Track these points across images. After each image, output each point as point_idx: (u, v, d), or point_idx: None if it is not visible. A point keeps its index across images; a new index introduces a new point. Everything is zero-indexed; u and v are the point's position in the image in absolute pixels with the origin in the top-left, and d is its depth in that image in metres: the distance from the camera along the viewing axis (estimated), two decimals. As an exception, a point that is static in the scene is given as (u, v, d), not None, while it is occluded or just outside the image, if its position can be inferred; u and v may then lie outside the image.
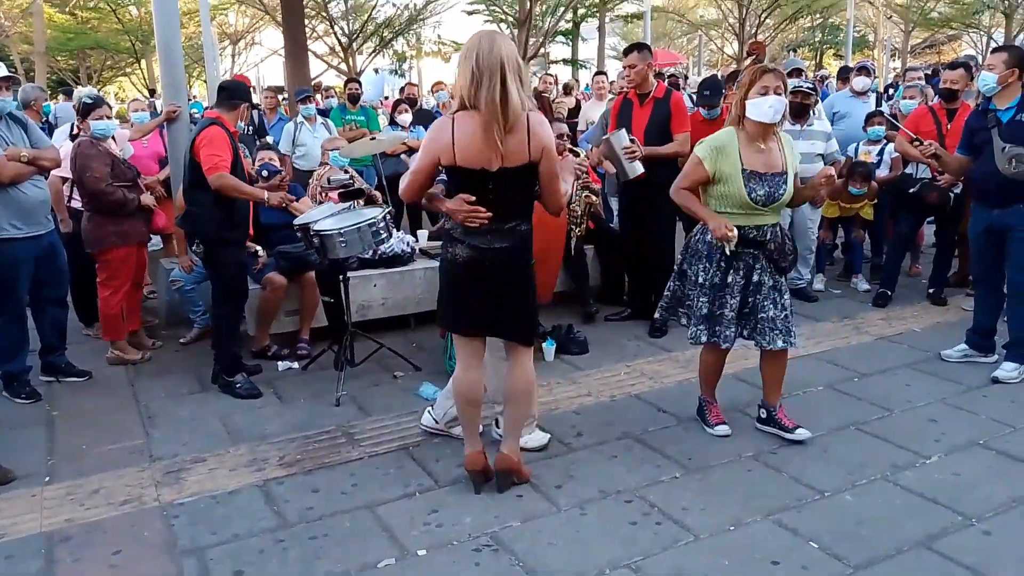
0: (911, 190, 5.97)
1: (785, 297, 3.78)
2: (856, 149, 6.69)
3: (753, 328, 3.79)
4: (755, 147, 3.63)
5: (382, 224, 4.50)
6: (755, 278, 3.73)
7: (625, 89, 5.72)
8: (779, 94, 3.55)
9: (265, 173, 5.35)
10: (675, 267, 3.98)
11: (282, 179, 5.23)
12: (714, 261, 3.72)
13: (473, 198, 3.14)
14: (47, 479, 3.69)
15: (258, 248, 5.26)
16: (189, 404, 4.56)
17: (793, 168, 3.70)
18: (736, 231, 3.56)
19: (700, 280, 3.77)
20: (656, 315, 4.11)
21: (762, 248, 3.69)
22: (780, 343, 3.74)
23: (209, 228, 4.55)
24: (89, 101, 5.22)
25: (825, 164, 5.98)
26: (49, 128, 9.41)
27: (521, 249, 3.26)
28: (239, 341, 4.88)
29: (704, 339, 3.80)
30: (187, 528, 3.25)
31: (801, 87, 5.99)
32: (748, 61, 6.00)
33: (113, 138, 5.60)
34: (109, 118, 5.25)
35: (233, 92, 4.73)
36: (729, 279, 3.72)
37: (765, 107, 3.54)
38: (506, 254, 3.21)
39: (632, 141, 5.22)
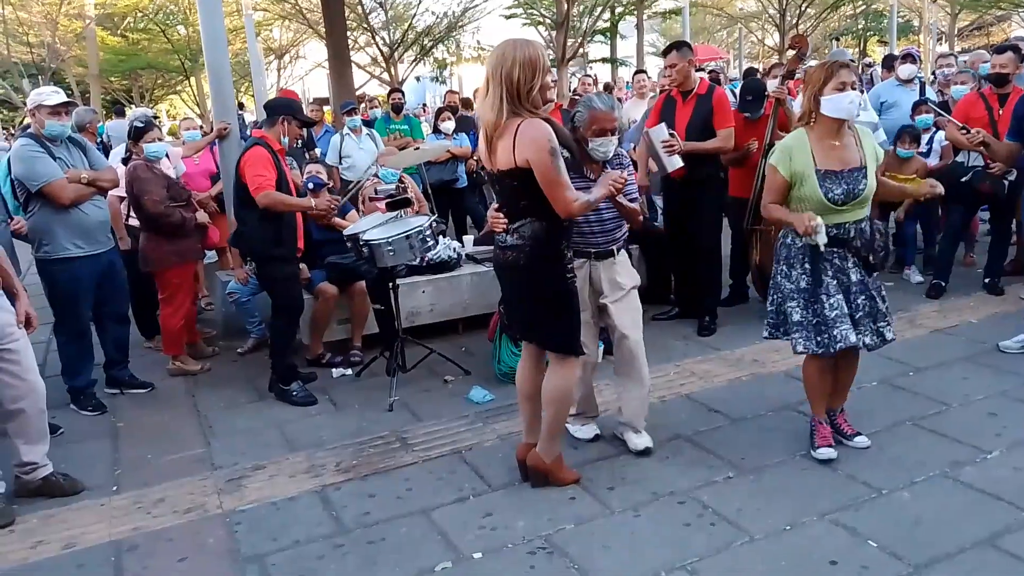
0: (963, 179, 5.84)
1: (883, 291, 3.65)
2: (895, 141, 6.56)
3: (874, 331, 3.59)
4: (828, 144, 3.50)
5: (428, 232, 4.58)
6: (854, 277, 3.55)
7: (667, 88, 5.70)
8: (855, 89, 3.45)
9: (311, 186, 5.46)
10: (771, 282, 3.78)
11: (329, 191, 5.33)
12: (798, 264, 3.58)
13: (495, 205, 3.40)
14: (115, 489, 3.83)
15: (302, 265, 5.32)
16: (247, 413, 4.68)
17: (874, 161, 3.56)
18: (821, 220, 3.39)
19: (787, 285, 3.62)
20: (764, 334, 3.82)
21: (846, 246, 3.53)
22: (890, 335, 3.62)
23: (257, 246, 4.72)
24: (140, 125, 5.36)
25: None
26: (104, 148, 9.72)
27: (533, 247, 3.22)
28: (293, 351, 4.98)
29: (800, 348, 3.58)
30: (249, 535, 3.34)
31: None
32: (791, 55, 5.91)
33: (167, 156, 5.77)
34: (160, 139, 5.43)
35: (272, 108, 4.85)
36: (821, 279, 3.54)
37: (845, 103, 3.41)
38: (517, 251, 3.26)
39: (671, 135, 5.21)
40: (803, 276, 3.57)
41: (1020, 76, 6.12)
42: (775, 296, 3.70)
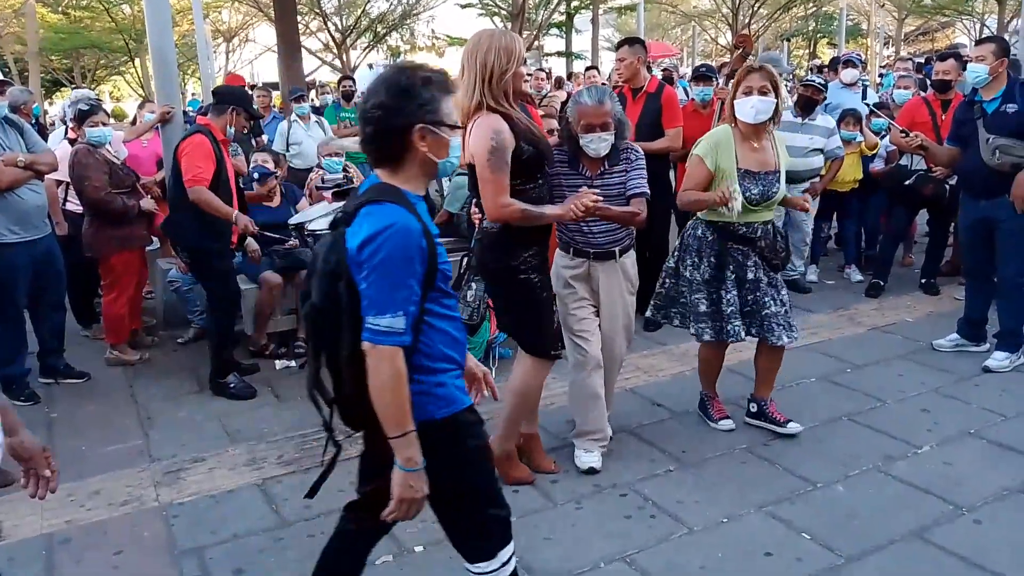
0: (907, 182, 6.00)
1: (783, 293, 3.80)
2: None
3: (760, 325, 3.76)
4: (749, 146, 3.66)
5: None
6: (750, 275, 3.72)
7: (618, 84, 5.73)
8: (765, 94, 3.54)
9: (256, 175, 5.38)
10: (667, 265, 3.96)
11: (275, 182, 5.25)
12: (705, 256, 3.74)
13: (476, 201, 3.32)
14: (47, 481, 3.72)
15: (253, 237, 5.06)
16: (187, 404, 4.59)
17: (786, 167, 3.73)
18: (738, 188, 3.51)
19: (694, 276, 3.77)
20: (647, 314, 4.10)
21: (752, 245, 3.71)
22: (784, 338, 3.74)
23: (192, 237, 4.57)
24: (85, 108, 5.18)
25: (826, 159, 6.02)
26: (40, 129, 9.41)
27: (494, 247, 3.20)
28: (235, 342, 4.89)
29: (707, 337, 3.76)
30: (187, 528, 3.29)
31: (813, 82, 6.05)
32: (736, 54, 5.99)
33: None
34: (105, 124, 5.26)
35: (222, 97, 4.72)
36: (723, 274, 3.73)
37: (747, 108, 3.57)
38: (483, 250, 3.25)
39: None
40: (708, 269, 3.74)
41: (962, 83, 6.31)
42: (670, 281, 3.89)
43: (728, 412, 4.05)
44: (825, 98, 6.25)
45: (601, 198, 3.14)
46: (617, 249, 3.58)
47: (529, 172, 3.14)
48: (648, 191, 3.49)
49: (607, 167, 3.48)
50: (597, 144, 3.38)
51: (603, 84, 5.86)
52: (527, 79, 3.19)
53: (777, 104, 3.60)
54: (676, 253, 3.90)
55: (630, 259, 3.68)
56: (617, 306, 3.63)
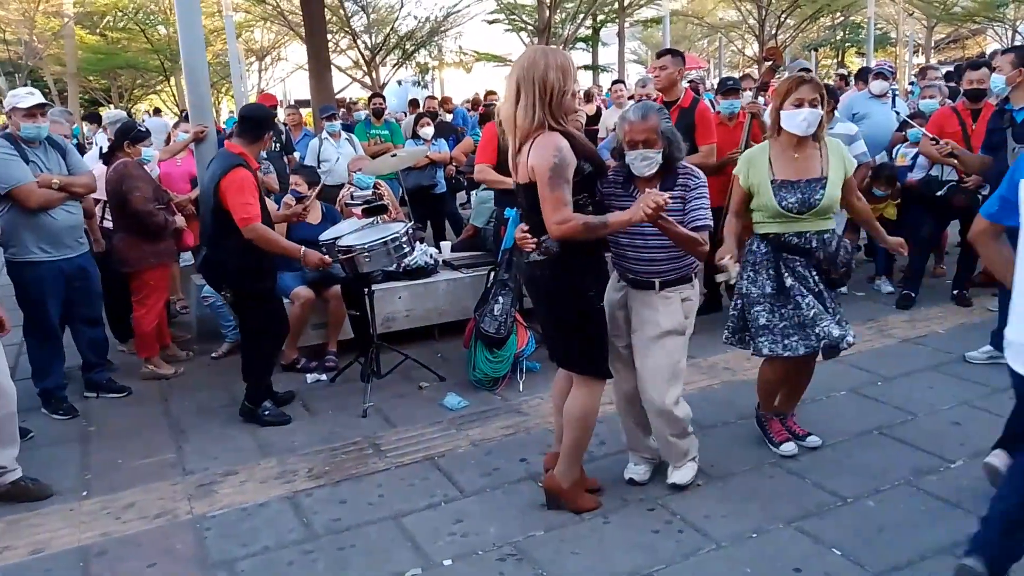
0: (938, 193, 5.93)
1: (835, 304, 3.67)
2: (895, 152, 6.70)
3: (817, 334, 3.54)
4: (789, 156, 3.61)
5: (405, 239, 4.59)
6: (811, 286, 3.60)
7: (652, 95, 5.74)
8: (815, 106, 3.49)
9: (290, 199, 5.49)
10: (735, 289, 3.79)
11: (301, 207, 5.33)
12: (762, 269, 3.66)
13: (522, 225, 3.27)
14: (84, 494, 3.81)
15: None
16: (220, 418, 4.66)
17: (840, 173, 3.59)
18: (733, 265, 3.37)
19: (750, 291, 3.68)
20: (724, 340, 3.89)
21: (808, 256, 3.61)
22: (851, 335, 3.58)
23: (234, 280, 4.37)
24: (143, 130, 5.44)
25: None
26: (79, 148, 9.63)
27: (551, 265, 3.14)
28: (270, 374, 4.71)
29: (766, 351, 3.63)
30: (218, 541, 3.34)
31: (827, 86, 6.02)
32: (766, 66, 5.99)
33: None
34: (151, 147, 5.46)
35: (259, 123, 4.43)
36: (786, 284, 3.60)
37: (799, 120, 3.51)
38: (536, 268, 3.20)
39: None
40: (768, 282, 3.65)
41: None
42: (738, 301, 3.77)
43: (788, 436, 3.90)
44: (836, 106, 6.22)
45: (668, 198, 2.99)
46: (657, 281, 3.33)
47: (590, 188, 3.17)
48: (711, 223, 3.28)
49: (658, 190, 3.19)
50: (640, 162, 3.23)
51: (643, 98, 5.82)
52: (579, 94, 3.15)
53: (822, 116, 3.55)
54: (742, 272, 3.71)
55: (677, 294, 3.36)
56: (651, 347, 3.34)
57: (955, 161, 5.30)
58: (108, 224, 5.63)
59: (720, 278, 3.45)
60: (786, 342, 3.60)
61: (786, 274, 3.62)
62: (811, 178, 3.58)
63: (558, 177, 2.96)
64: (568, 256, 3.13)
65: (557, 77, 2.97)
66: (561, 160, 2.96)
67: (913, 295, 6.13)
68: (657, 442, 3.58)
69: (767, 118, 5.60)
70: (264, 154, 4.64)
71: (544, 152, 2.97)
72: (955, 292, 6.18)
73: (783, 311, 3.62)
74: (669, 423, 3.42)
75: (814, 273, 3.62)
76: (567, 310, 3.22)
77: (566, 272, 3.15)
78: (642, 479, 3.62)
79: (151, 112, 24.28)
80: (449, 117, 12.05)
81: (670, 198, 3.04)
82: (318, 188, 5.68)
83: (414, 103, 12.14)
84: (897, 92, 8.60)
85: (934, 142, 5.06)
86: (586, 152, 3.10)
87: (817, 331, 3.52)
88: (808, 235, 3.60)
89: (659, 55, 5.80)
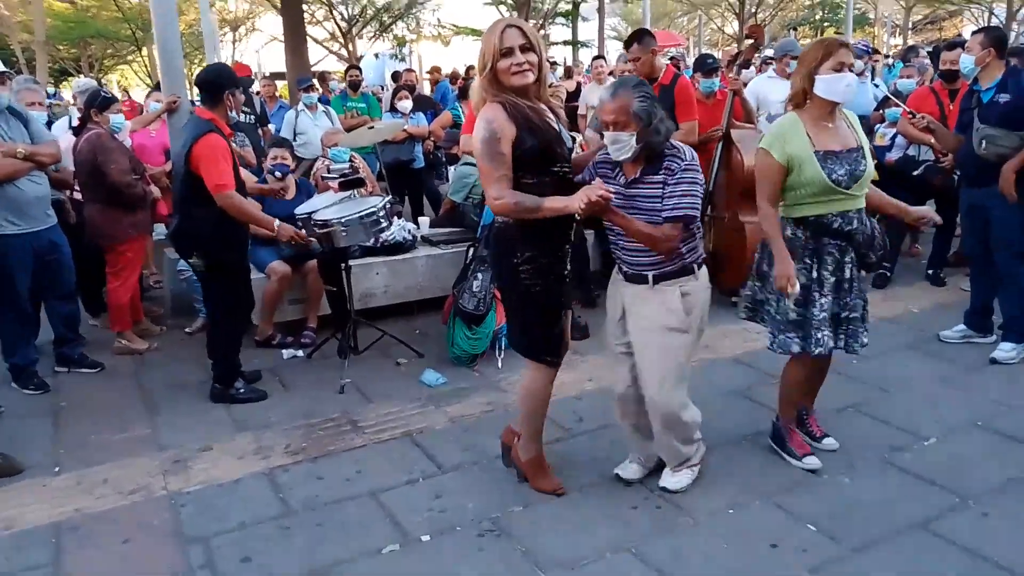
0: (915, 172, 5.97)
1: (865, 293, 3.45)
2: (875, 131, 6.70)
3: (846, 331, 3.37)
4: (823, 126, 3.26)
5: (382, 213, 4.54)
6: (847, 274, 3.31)
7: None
8: (853, 71, 3.26)
9: (279, 174, 5.39)
10: (753, 268, 3.53)
11: (291, 180, 5.26)
12: (798, 260, 3.28)
13: None
14: (56, 469, 3.75)
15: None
16: (194, 393, 4.60)
17: (867, 143, 3.35)
18: (799, 288, 3.19)
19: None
20: (741, 315, 3.67)
21: (849, 239, 3.29)
22: (865, 339, 3.43)
23: (203, 248, 4.22)
24: (108, 95, 5.29)
25: None
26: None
27: (497, 241, 3.11)
28: (238, 351, 4.60)
29: (795, 348, 3.34)
30: (194, 517, 3.30)
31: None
32: (747, 44, 5.97)
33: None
34: (120, 112, 5.31)
35: (215, 84, 4.22)
36: (820, 276, 3.30)
37: (842, 85, 3.18)
38: (487, 242, 3.21)
39: None
40: (802, 271, 3.30)
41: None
42: (758, 286, 3.49)
43: (809, 448, 3.60)
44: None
45: (611, 192, 2.79)
46: (650, 274, 3.08)
47: (530, 165, 2.92)
48: (691, 214, 2.95)
49: (640, 175, 3.01)
50: (611, 145, 2.95)
51: (626, 73, 5.66)
52: (516, 71, 2.86)
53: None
54: (761, 254, 3.46)
55: (676, 288, 3.08)
56: (648, 345, 3.12)
57: (931, 138, 5.33)
58: (76, 195, 5.51)
59: (789, 302, 3.24)
60: (818, 336, 3.31)
61: (827, 263, 3.30)
62: (850, 147, 3.26)
63: (487, 148, 2.87)
64: (505, 232, 3.07)
65: (490, 43, 2.88)
66: (490, 133, 2.85)
67: (888, 274, 6.18)
68: (657, 446, 3.37)
69: (758, 93, 5.58)
70: (233, 117, 4.42)
71: (477, 125, 2.92)
72: (929, 272, 6.24)
73: (808, 302, 3.32)
74: (673, 428, 3.22)
75: (851, 261, 3.32)
76: (506, 289, 3.22)
77: (507, 253, 3.07)
78: (629, 478, 3.43)
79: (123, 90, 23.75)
80: (430, 91, 11.92)
81: (653, 185, 2.93)
82: (298, 163, 5.61)
83: (397, 76, 11.99)
84: (876, 69, 8.61)
85: (911, 115, 5.10)
86: (530, 124, 2.89)
87: (818, 336, 3.30)
88: (850, 214, 3.25)
89: (626, 46, 5.65)
